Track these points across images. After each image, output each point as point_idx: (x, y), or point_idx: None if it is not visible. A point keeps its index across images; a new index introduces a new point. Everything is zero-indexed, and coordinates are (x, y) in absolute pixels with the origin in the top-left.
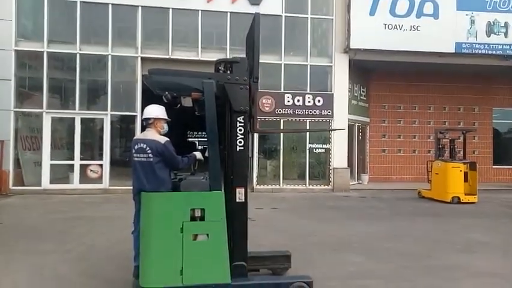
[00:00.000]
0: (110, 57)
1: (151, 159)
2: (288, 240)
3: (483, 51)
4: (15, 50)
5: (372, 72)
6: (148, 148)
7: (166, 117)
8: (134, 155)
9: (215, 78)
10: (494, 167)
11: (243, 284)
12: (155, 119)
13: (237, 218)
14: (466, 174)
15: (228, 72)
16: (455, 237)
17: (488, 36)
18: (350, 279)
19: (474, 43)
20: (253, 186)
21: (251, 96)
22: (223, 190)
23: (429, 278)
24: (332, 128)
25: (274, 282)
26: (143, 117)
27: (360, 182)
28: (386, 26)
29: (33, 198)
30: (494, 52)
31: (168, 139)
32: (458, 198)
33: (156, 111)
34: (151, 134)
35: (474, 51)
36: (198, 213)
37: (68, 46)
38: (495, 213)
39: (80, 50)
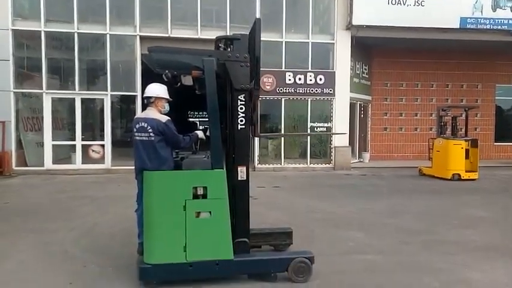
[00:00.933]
0: (108, 36)
1: (153, 138)
2: (290, 217)
3: (488, 27)
4: (12, 30)
5: (374, 49)
6: (149, 127)
7: (168, 97)
8: (136, 134)
9: (215, 55)
10: (495, 144)
11: (246, 260)
12: (156, 98)
13: (239, 195)
14: (467, 151)
15: (229, 49)
16: (454, 213)
17: (494, 10)
18: (350, 254)
19: (479, 18)
20: (255, 165)
21: (252, 103)
22: (225, 169)
23: (427, 252)
24: (334, 131)
25: (276, 258)
26: (145, 95)
27: (361, 160)
28: (389, 1)
29: (36, 179)
30: (499, 27)
31: (169, 118)
32: (459, 175)
33: (158, 90)
34: (152, 113)
35: (479, 26)
36: (200, 192)
37: (66, 25)
38: (495, 189)
39: (78, 29)
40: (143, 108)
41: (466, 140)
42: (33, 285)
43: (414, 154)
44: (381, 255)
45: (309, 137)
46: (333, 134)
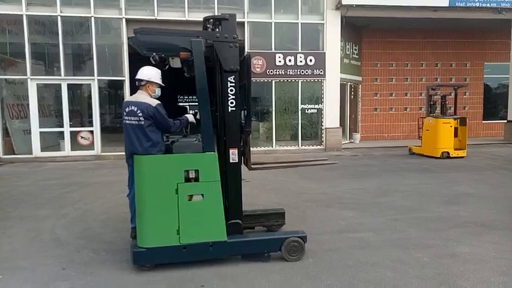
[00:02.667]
0: (93, 19)
1: (142, 122)
2: (282, 198)
3: (477, 4)
4: None
5: (364, 29)
6: (139, 111)
7: (160, 82)
8: (126, 117)
9: (203, 36)
10: (484, 122)
11: (239, 241)
12: (147, 81)
13: (231, 178)
14: (456, 129)
15: (217, 30)
16: (444, 190)
17: None
18: (341, 232)
19: None
20: None
21: (243, 137)
22: (216, 151)
23: (417, 229)
24: (327, 161)
25: (269, 238)
26: (137, 77)
27: (352, 141)
28: None
29: (25, 166)
30: (488, 5)
31: (159, 102)
32: (448, 153)
33: (150, 74)
34: (142, 97)
35: (468, 4)
36: (192, 175)
37: (48, 8)
38: (482, 166)
39: (61, 12)
40: (132, 92)
41: (454, 119)
42: (26, 271)
43: (404, 134)
44: (372, 232)
45: (300, 119)
46: (325, 163)
